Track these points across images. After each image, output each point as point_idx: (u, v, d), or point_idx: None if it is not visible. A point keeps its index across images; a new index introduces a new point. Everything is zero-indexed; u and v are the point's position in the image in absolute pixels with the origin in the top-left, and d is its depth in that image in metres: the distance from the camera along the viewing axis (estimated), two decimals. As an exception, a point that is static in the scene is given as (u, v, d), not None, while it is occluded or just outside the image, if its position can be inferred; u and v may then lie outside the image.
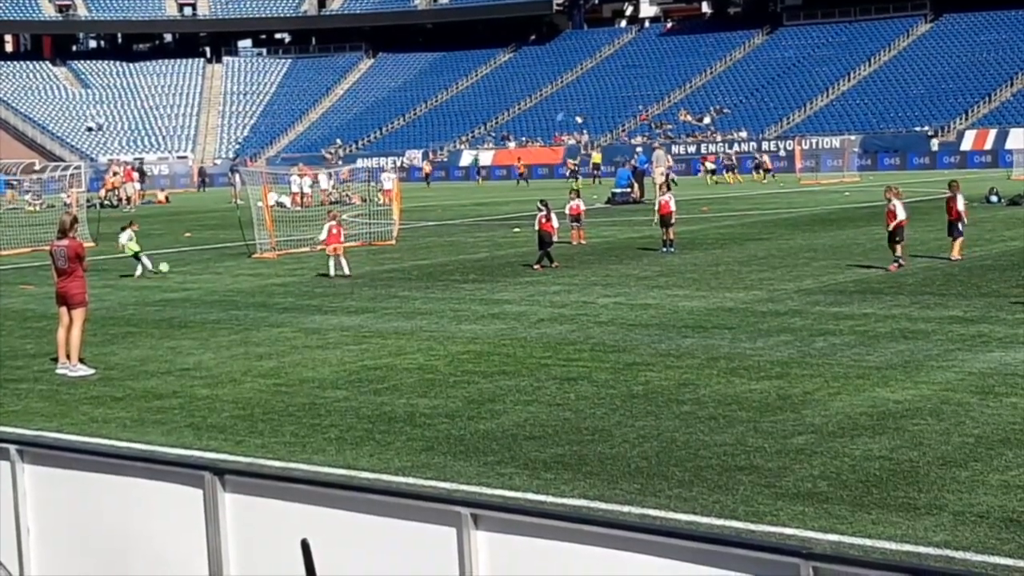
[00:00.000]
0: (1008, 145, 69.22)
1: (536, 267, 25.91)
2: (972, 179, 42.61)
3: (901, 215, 23.38)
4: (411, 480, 10.47)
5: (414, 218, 42.96)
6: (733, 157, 71.85)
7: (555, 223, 26.71)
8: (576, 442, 11.45)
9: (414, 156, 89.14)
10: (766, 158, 71.19)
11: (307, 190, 56.78)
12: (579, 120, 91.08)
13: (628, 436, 11.57)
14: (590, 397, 13.37)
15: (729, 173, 67.79)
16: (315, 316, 20.63)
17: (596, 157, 76.03)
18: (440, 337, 17.79)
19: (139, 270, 27.85)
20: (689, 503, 9.51)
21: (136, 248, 28.35)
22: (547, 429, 11.99)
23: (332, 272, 26.14)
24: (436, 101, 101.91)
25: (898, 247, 23.49)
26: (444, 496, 5.02)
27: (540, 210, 26.88)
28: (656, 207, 29.41)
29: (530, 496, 9.83)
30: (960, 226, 24.57)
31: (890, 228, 23.49)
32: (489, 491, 9.98)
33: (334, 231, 26.73)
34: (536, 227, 26.86)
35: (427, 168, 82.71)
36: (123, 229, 29.02)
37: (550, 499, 9.71)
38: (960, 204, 24.52)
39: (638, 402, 13.01)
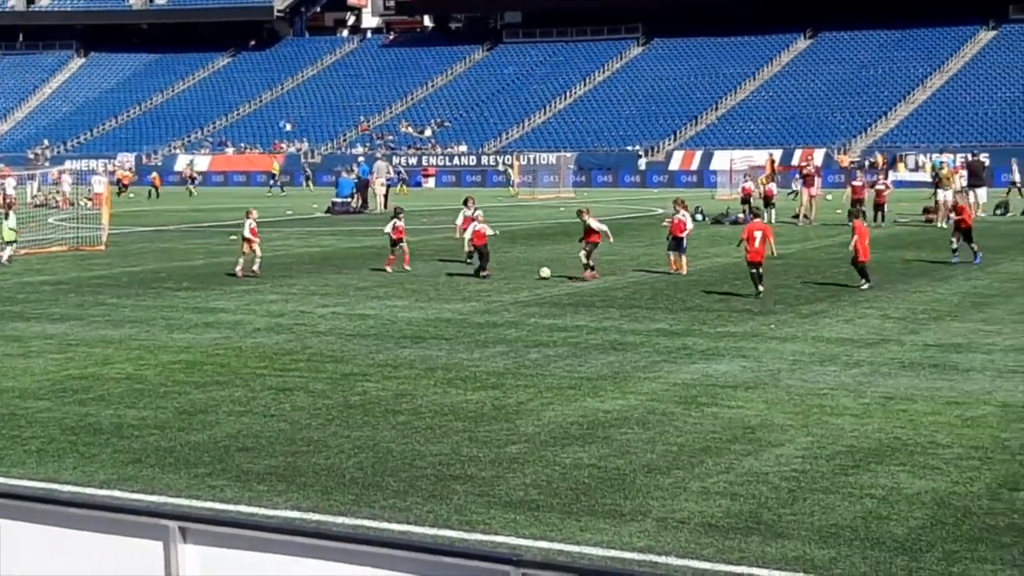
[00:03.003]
0: (712, 166, 72.43)
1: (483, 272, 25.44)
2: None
3: (594, 227, 24.73)
4: (117, 493, 10.12)
5: (126, 223, 41.61)
6: (404, 172, 72.58)
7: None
8: (291, 453, 11.32)
9: (126, 159, 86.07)
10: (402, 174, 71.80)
11: (10, 191, 54.36)
12: (288, 127, 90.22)
13: (344, 447, 11.52)
14: (306, 408, 13.24)
15: (401, 186, 68.47)
16: (16, 323, 19.71)
17: (275, 167, 74.93)
18: (150, 346, 17.28)
19: (8, 252, 29.47)
20: (403, 513, 9.54)
21: (14, 236, 29.79)
22: (261, 440, 11.81)
23: (257, 268, 25.44)
24: (151, 104, 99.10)
25: (583, 255, 24.73)
26: (151, 509, 4.86)
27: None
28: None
29: (242, 508, 9.66)
30: (684, 241, 25.59)
31: (588, 241, 24.56)
32: (199, 504, 9.76)
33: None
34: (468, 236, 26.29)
35: (125, 177, 76.67)
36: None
37: (262, 511, 9.56)
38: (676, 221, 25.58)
39: (355, 412, 12.97)
